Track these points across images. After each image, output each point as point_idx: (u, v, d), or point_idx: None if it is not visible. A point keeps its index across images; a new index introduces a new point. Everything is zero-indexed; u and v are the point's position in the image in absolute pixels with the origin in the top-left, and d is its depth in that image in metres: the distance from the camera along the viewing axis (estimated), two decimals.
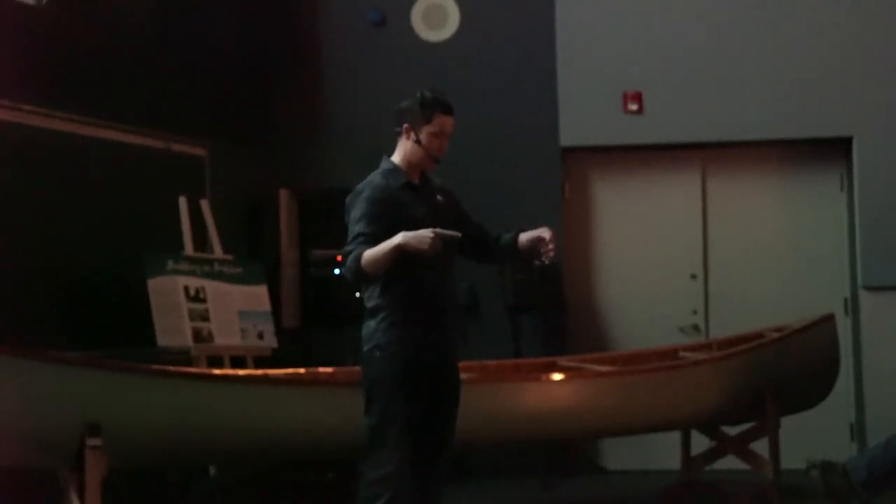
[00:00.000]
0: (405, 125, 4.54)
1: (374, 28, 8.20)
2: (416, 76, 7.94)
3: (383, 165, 4.59)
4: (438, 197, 4.64)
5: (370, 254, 4.26)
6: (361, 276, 4.34)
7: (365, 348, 4.48)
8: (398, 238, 4.22)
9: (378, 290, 4.45)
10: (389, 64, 8.08)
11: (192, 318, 6.66)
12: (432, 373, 4.45)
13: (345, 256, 4.38)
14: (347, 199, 4.54)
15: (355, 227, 4.42)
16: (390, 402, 4.37)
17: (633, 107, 7.91)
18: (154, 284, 6.57)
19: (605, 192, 8.20)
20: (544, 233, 4.58)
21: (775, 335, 6.61)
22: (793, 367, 6.44)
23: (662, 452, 7.38)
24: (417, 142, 4.51)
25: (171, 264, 6.68)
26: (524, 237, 4.66)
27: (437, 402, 4.47)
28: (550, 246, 4.56)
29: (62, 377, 4.80)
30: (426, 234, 4.20)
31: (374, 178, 4.54)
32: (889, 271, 7.64)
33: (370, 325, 4.48)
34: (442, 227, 4.39)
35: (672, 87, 7.89)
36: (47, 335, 5.86)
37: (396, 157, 4.59)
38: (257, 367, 6.64)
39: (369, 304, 4.49)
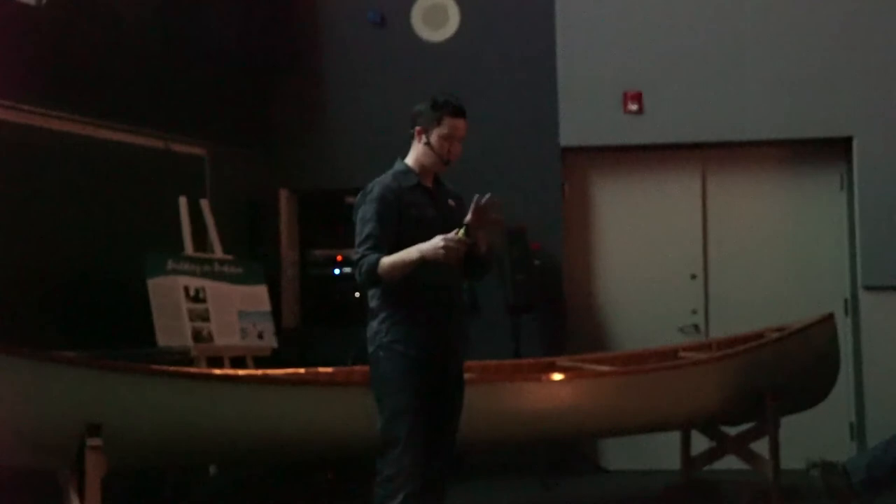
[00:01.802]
0: (417, 127, 4.58)
1: (374, 28, 8.20)
2: (416, 76, 7.97)
3: (396, 167, 4.62)
4: (450, 202, 4.65)
5: (389, 263, 4.30)
6: (376, 283, 4.39)
7: (370, 349, 4.50)
8: (416, 252, 4.25)
9: (380, 291, 4.46)
10: (389, 64, 8.09)
11: (192, 318, 6.67)
12: (438, 371, 4.46)
13: (357, 260, 4.38)
14: (357, 198, 4.55)
15: (364, 228, 4.42)
16: (398, 400, 4.39)
17: (634, 107, 7.91)
18: (154, 284, 6.57)
19: (605, 192, 8.20)
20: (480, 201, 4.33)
21: (775, 335, 6.61)
22: (793, 367, 6.44)
23: (662, 452, 7.38)
24: (428, 144, 4.55)
25: (171, 264, 6.69)
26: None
27: (443, 401, 4.48)
28: (487, 206, 4.30)
29: (62, 377, 4.80)
30: (437, 242, 4.22)
31: (385, 178, 4.56)
32: (889, 271, 7.64)
33: (373, 325, 4.50)
34: (449, 231, 4.40)
35: (672, 87, 7.89)
36: (47, 335, 5.86)
37: (410, 159, 4.62)
38: (257, 367, 6.64)
39: (372, 303, 4.51)
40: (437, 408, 4.46)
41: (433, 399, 4.43)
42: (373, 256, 4.33)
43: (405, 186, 4.52)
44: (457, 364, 4.61)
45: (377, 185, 4.52)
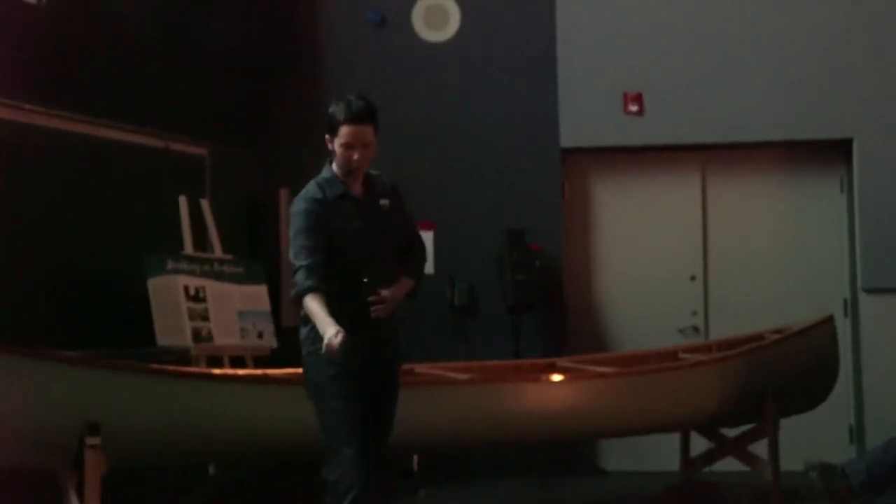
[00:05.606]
0: (327, 135, 4.36)
1: (374, 28, 8.19)
2: (416, 76, 7.98)
3: (323, 173, 4.42)
4: (382, 203, 4.45)
5: (311, 310, 4.20)
6: (299, 306, 4.32)
7: (302, 353, 4.45)
8: (323, 330, 4.09)
9: None
10: (389, 64, 8.08)
11: (192, 318, 6.66)
12: (364, 376, 4.34)
13: (295, 273, 4.30)
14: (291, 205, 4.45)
15: (297, 240, 4.32)
16: (329, 406, 4.33)
17: (634, 107, 7.91)
18: (154, 284, 6.57)
19: (605, 192, 8.20)
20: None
21: (775, 337, 6.62)
22: (793, 368, 6.45)
23: (662, 454, 7.37)
24: (334, 152, 4.34)
25: (171, 264, 6.68)
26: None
27: (374, 404, 4.38)
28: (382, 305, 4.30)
29: (62, 377, 4.80)
30: (331, 339, 4.03)
31: (311, 186, 4.39)
32: (889, 273, 7.64)
33: (302, 332, 4.43)
34: (382, 236, 4.36)
35: (672, 87, 7.89)
36: (47, 335, 5.86)
37: (335, 165, 4.42)
38: (257, 366, 6.64)
39: (302, 312, 4.39)
40: (371, 411, 4.36)
41: (365, 403, 4.33)
42: (306, 284, 4.23)
43: (330, 197, 4.34)
44: (384, 370, 4.46)
45: (302, 197, 4.36)
